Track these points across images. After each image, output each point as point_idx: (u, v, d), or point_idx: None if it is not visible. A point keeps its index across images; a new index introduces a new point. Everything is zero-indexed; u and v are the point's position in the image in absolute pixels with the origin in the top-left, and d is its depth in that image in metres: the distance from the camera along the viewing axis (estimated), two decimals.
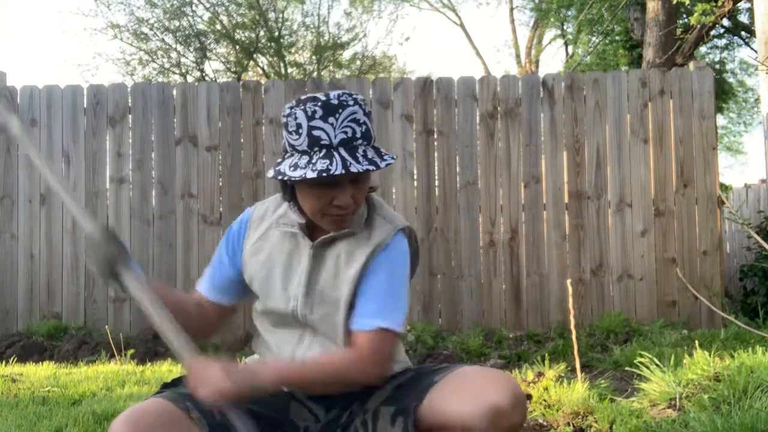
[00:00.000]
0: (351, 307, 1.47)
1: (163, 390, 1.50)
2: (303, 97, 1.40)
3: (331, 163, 1.33)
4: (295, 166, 1.37)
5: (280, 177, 1.39)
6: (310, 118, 1.36)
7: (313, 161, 1.35)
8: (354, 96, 1.41)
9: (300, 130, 1.37)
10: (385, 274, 1.46)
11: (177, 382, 1.54)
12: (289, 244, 1.53)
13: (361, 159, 1.36)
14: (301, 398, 1.54)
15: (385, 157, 1.40)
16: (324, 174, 1.32)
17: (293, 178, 1.36)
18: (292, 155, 1.40)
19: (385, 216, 1.52)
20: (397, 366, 1.57)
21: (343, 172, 1.32)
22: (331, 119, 1.36)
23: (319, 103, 1.37)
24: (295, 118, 1.38)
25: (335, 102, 1.38)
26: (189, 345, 1.42)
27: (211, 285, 1.61)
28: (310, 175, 1.33)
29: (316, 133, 1.36)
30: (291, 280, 1.51)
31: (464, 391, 1.35)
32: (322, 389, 1.46)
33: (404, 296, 1.48)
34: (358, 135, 1.38)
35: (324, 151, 1.35)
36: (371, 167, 1.35)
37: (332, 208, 1.41)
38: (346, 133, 1.37)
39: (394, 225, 1.50)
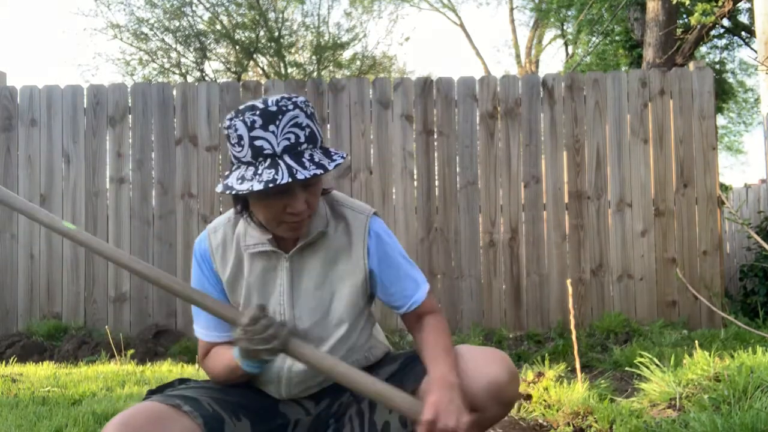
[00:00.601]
0: (353, 300, 1.49)
1: (150, 395, 1.49)
2: (241, 107, 1.36)
3: (276, 173, 1.30)
4: (242, 179, 1.33)
5: (228, 191, 1.34)
6: (250, 128, 1.32)
7: (259, 172, 1.31)
8: (294, 99, 1.36)
9: (242, 142, 1.33)
10: (394, 254, 1.53)
11: (162, 389, 1.53)
12: (260, 264, 1.50)
13: (307, 164, 1.32)
14: (293, 398, 1.54)
15: (335, 158, 1.37)
16: (271, 184, 1.28)
17: (241, 191, 1.31)
18: (238, 167, 1.36)
19: (353, 206, 1.53)
20: (379, 349, 1.60)
21: (290, 180, 1.29)
22: (272, 127, 1.32)
23: (258, 112, 1.33)
24: (236, 130, 1.34)
25: (274, 108, 1.33)
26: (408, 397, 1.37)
27: (215, 325, 1.53)
28: (257, 187, 1.29)
29: (258, 143, 1.32)
30: (270, 298, 1.50)
31: (462, 370, 1.39)
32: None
33: (410, 260, 1.57)
34: (302, 139, 1.34)
35: (269, 160, 1.32)
36: (319, 171, 1.31)
37: (286, 215, 1.38)
38: (288, 139, 1.33)
39: (365, 213, 1.53)
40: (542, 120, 4.85)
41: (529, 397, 2.67)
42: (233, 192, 1.33)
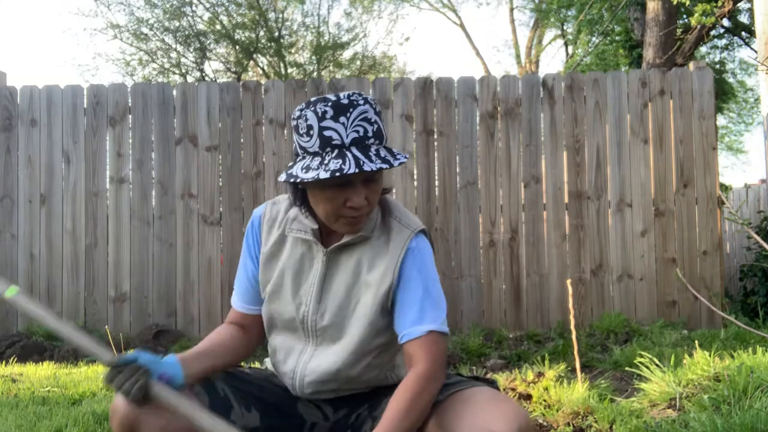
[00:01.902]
0: (374, 312, 1.45)
1: None
2: (313, 99, 1.37)
3: (344, 163, 1.30)
4: (307, 168, 1.34)
5: (292, 180, 1.35)
6: (321, 118, 1.34)
7: (326, 162, 1.32)
8: (364, 96, 1.38)
9: (311, 132, 1.34)
10: (419, 278, 1.43)
11: None
12: (300, 250, 1.51)
13: (374, 158, 1.33)
14: (309, 398, 1.54)
15: (398, 156, 1.38)
16: (337, 173, 1.29)
17: (305, 180, 1.32)
18: (303, 158, 1.37)
19: (401, 219, 1.49)
20: (402, 372, 1.54)
21: (357, 170, 1.30)
22: (342, 119, 1.34)
23: (330, 104, 1.34)
24: (306, 120, 1.35)
25: (345, 102, 1.35)
26: None
27: (246, 297, 1.57)
28: (323, 175, 1.30)
29: (327, 133, 1.33)
30: (301, 287, 1.50)
31: (470, 418, 1.30)
32: (418, 423, 1.35)
33: (441, 296, 1.45)
34: (370, 134, 1.36)
35: (336, 151, 1.33)
36: (385, 165, 1.33)
37: (346, 209, 1.38)
38: (357, 132, 1.34)
39: (411, 229, 1.48)
40: (542, 120, 4.85)
41: (529, 397, 2.67)
42: (298, 180, 1.33)
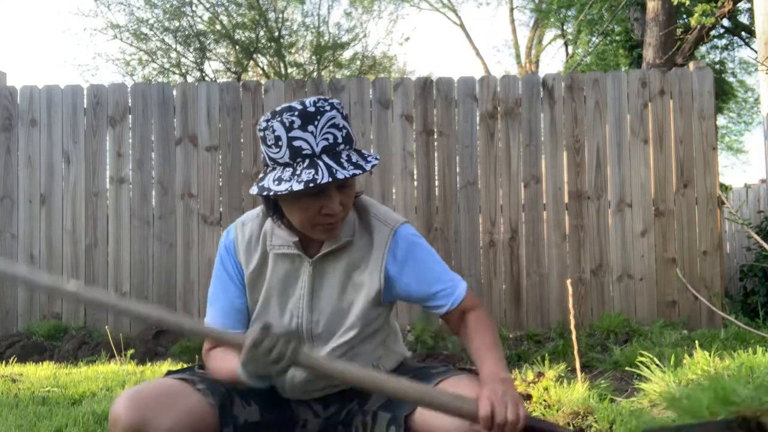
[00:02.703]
0: (365, 310, 1.48)
1: (167, 376, 1.51)
2: (278, 109, 1.36)
3: (316, 173, 1.30)
4: (279, 180, 1.33)
5: (265, 193, 1.34)
6: (289, 128, 1.33)
7: (298, 172, 1.31)
8: (330, 101, 1.37)
9: (280, 143, 1.33)
10: (418, 258, 1.52)
11: (183, 371, 1.54)
12: (283, 266, 1.50)
13: (346, 164, 1.33)
14: (299, 398, 1.55)
15: (369, 159, 1.38)
16: (311, 184, 1.29)
17: (279, 192, 1.31)
18: (274, 169, 1.36)
19: (379, 217, 1.51)
20: (391, 360, 1.59)
21: (330, 179, 1.29)
22: (311, 127, 1.33)
23: (296, 113, 1.33)
24: (273, 131, 1.34)
25: (312, 109, 1.33)
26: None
27: (229, 322, 1.52)
28: (297, 187, 1.29)
29: (296, 143, 1.32)
30: (289, 301, 1.50)
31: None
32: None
33: (440, 259, 1.57)
34: (340, 140, 1.35)
35: (308, 161, 1.32)
36: (358, 171, 1.32)
37: (321, 217, 1.38)
38: (327, 139, 1.33)
39: (390, 226, 1.51)
40: (542, 120, 4.85)
41: (529, 397, 2.67)
42: (271, 194, 1.33)
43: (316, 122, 1.33)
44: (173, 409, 1.31)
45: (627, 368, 3.22)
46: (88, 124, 4.82)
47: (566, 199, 4.78)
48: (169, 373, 1.52)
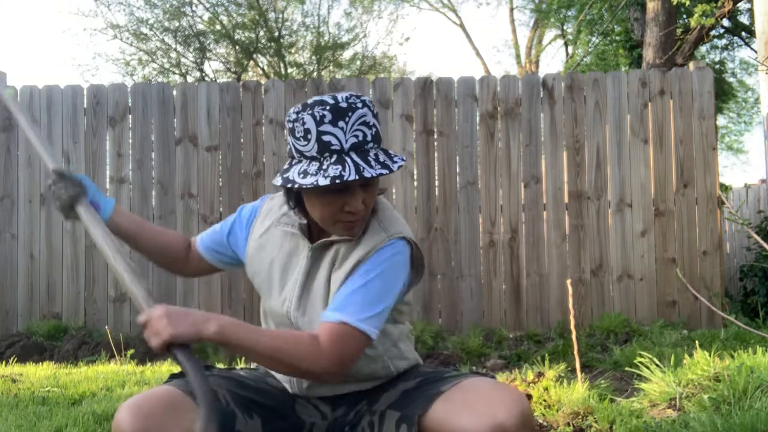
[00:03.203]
0: None
1: (170, 380, 1.48)
2: (310, 101, 1.34)
3: (343, 169, 1.29)
4: (305, 173, 1.32)
5: (289, 185, 1.33)
6: (319, 122, 1.31)
7: (324, 167, 1.30)
8: (362, 98, 1.35)
9: (308, 136, 1.32)
10: (364, 273, 1.38)
11: (184, 374, 1.52)
12: (289, 245, 1.51)
13: (373, 163, 1.31)
14: (306, 396, 1.53)
15: (396, 159, 1.36)
16: (337, 180, 1.28)
17: (304, 185, 1.30)
18: (300, 161, 1.35)
19: (383, 222, 1.46)
20: (403, 362, 1.56)
21: (357, 177, 1.28)
22: (341, 123, 1.31)
23: (328, 107, 1.32)
24: (303, 123, 1.33)
25: (344, 105, 1.32)
26: (145, 292, 1.32)
27: (208, 242, 1.66)
28: (323, 182, 1.28)
29: (326, 138, 1.31)
30: (287, 282, 1.50)
31: (471, 405, 1.29)
32: (265, 363, 1.35)
33: (382, 299, 1.36)
34: (369, 138, 1.34)
35: (335, 156, 1.31)
36: (384, 171, 1.31)
37: (343, 214, 1.37)
38: (357, 137, 1.32)
39: (388, 233, 1.43)
40: (542, 120, 4.85)
41: (529, 397, 2.67)
42: (296, 186, 1.32)
43: (347, 118, 1.31)
44: (175, 424, 1.28)
45: (627, 368, 3.22)
46: (88, 124, 4.82)
47: (566, 199, 4.78)
48: (172, 377, 1.49)
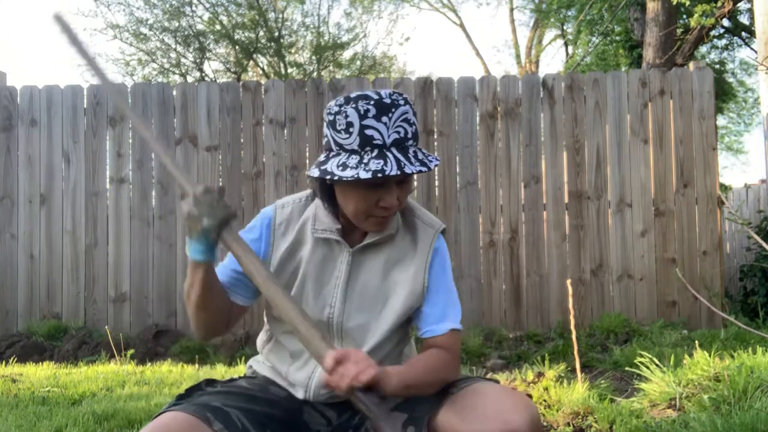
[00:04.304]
0: (404, 311, 1.46)
1: (178, 402, 1.43)
2: (353, 95, 1.35)
3: (385, 164, 1.29)
4: (344, 166, 1.32)
5: (328, 177, 1.33)
6: (363, 116, 1.32)
7: (365, 161, 1.31)
8: (404, 96, 1.36)
9: (351, 129, 1.32)
10: (444, 278, 1.48)
11: (191, 392, 1.49)
12: (322, 251, 1.48)
13: (413, 159, 1.33)
14: (314, 403, 1.51)
15: (431, 158, 1.37)
16: (379, 174, 1.28)
17: (345, 179, 1.30)
18: (338, 154, 1.34)
19: (423, 218, 1.51)
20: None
21: (399, 173, 1.29)
22: (384, 118, 1.32)
23: (372, 102, 1.33)
24: (346, 117, 1.33)
25: (388, 101, 1.33)
26: (319, 332, 1.30)
27: (228, 284, 1.49)
28: (364, 175, 1.28)
29: (368, 132, 1.32)
30: (324, 288, 1.47)
31: (481, 409, 1.31)
32: (426, 390, 1.40)
33: (456, 293, 1.51)
34: (409, 135, 1.35)
35: (376, 150, 1.32)
36: (424, 168, 1.32)
37: (377, 209, 1.37)
38: (398, 133, 1.33)
39: (435, 228, 1.50)
40: (542, 120, 4.85)
41: (529, 397, 2.67)
42: (335, 178, 1.31)
43: (390, 114, 1.33)
44: None
45: (627, 368, 3.22)
46: (88, 124, 4.82)
47: (566, 199, 4.78)
48: (180, 398, 1.46)
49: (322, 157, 1.39)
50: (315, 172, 1.36)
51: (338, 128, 1.34)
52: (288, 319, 1.32)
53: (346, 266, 1.46)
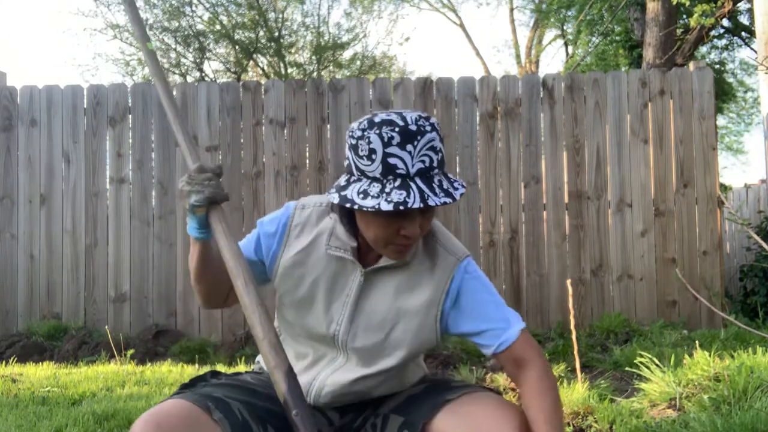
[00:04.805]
0: (414, 346, 1.43)
1: (182, 390, 1.45)
2: (377, 120, 1.28)
3: (408, 195, 1.24)
4: (365, 194, 1.27)
5: (348, 205, 1.28)
6: (387, 144, 1.25)
7: (387, 191, 1.25)
8: (431, 121, 1.30)
9: (373, 156, 1.26)
10: (485, 292, 1.43)
11: (195, 383, 1.50)
12: (335, 266, 1.44)
13: (437, 190, 1.27)
14: (317, 406, 1.51)
15: (457, 186, 1.31)
16: (401, 207, 1.23)
17: (366, 208, 1.25)
18: (359, 180, 1.29)
19: (446, 245, 1.45)
20: (415, 374, 1.56)
21: (421, 205, 1.23)
22: (409, 147, 1.25)
23: (397, 129, 1.26)
24: (369, 143, 1.26)
25: (413, 128, 1.26)
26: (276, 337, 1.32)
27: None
28: (385, 207, 1.23)
29: (392, 161, 1.25)
30: (333, 304, 1.44)
31: (474, 422, 1.31)
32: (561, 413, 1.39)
33: (501, 300, 1.46)
34: (435, 164, 1.28)
35: (399, 180, 1.25)
36: (448, 200, 1.26)
37: (399, 237, 1.32)
38: (423, 162, 1.26)
39: (456, 256, 1.43)
40: (542, 120, 4.85)
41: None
42: (355, 207, 1.27)
43: (415, 142, 1.26)
44: None
45: (627, 368, 3.22)
46: (88, 124, 4.82)
47: (566, 199, 4.78)
48: (183, 387, 1.47)
49: (342, 181, 1.34)
50: (335, 198, 1.31)
51: (360, 154, 1.28)
52: (248, 320, 1.34)
53: (358, 286, 1.42)
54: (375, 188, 1.26)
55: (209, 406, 1.33)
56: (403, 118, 1.27)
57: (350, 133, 1.32)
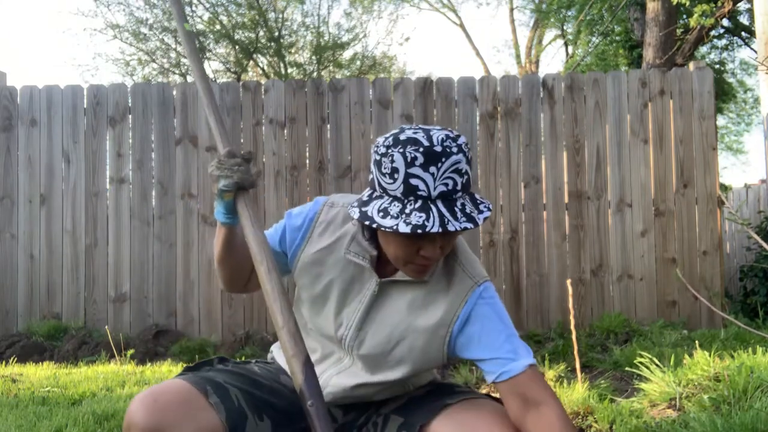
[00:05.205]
0: (424, 357, 1.42)
1: (185, 372, 1.47)
2: (403, 137, 1.25)
3: (427, 219, 1.21)
4: (385, 212, 1.25)
5: (367, 222, 1.26)
6: (410, 164, 1.23)
7: (407, 212, 1.23)
8: (458, 141, 1.26)
9: (396, 175, 1.24)
10: (497, 319, 1.38)
11: (200, 366, 1.52)
12: (353, 271, 1.43)
13: (459, 214, 1.24)
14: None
15: (482, 208, 1.28)
16: (419, 230, 1.21)
17: (384, 227, 1.23)
18: (381, 197, 1.27)
19: (465, 267, 1.42)
20: (422, 380, 1.56)
21: (440, 230, 1.20)
22: (432, 168, 1.22)
23: (421, 149, 1.23)
24: (392, 161, 1.24)
25: (438, 149, 1.23)
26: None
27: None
28: (403, 229, 1.21)
29: (413, 182, 1.23)
30: (345, 308, 1.44)
31: (470, 427, 1.32)
32: None
33: (515, 332, 1.42)
34: (459, 186, 1.25)
35: (420, 202, 1.23)
36: (470, 225, 1.23)
37: (418, 257, 1.31)
38: (446, 185, 1.23)
39: (474, 280, 1.40)
40: (542, 120, 4.85)
41: None
42: (374, 225, 1.25)
43: (439, 164, 1.23)
44: (189, 422, 1.29)
45: (627, 368, 3.22)
46: (88, 124, 4.82)
47: (566, 199, 4.78)
48: (188, 369, 1.48)
49: (365, 196, 1.32)
50: (356, 213, 1.30)
51: (383, 171, 1.26)
52: (269, 307, 1.34)
53: (371, 295, 1.41)
54: (395, 208, 1.24)
55: (207, 390, 1.35)
56: (429, 138, 1.24)
57: (375, 148, 1.29)
